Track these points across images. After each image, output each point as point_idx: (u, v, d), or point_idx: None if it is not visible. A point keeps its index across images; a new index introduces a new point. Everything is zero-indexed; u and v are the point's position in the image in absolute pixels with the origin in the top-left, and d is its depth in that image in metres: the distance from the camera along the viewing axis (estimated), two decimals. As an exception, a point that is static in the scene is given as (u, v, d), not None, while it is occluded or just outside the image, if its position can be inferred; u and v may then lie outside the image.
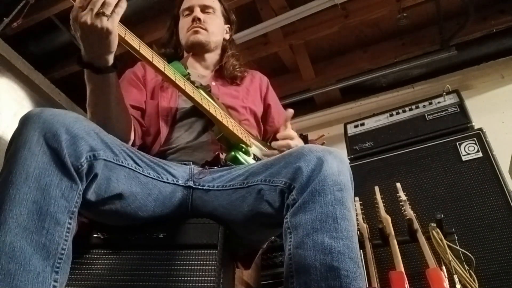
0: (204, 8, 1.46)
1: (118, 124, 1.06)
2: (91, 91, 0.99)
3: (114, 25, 0.89)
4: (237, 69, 1.45)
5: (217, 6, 1.51)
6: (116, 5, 0.89)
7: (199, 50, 1.45)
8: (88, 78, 0.97)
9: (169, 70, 1.09)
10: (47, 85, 3.22)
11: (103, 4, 0.87)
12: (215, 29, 1.47)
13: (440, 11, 2.68)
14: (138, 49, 1.00)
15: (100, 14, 0.86)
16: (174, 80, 1.09)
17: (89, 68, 0.94)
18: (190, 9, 1.45)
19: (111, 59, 0.95)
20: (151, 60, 1.03)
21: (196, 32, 1.41)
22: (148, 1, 2.69)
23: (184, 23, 1.46)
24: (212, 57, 1.49)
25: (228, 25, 1.57)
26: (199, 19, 1.42)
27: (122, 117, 1.08)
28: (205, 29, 1.43)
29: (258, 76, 1.55)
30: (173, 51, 1.49)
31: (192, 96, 1.13)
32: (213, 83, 1.38)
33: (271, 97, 1.53)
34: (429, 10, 2.80)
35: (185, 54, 1.48)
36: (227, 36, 1.56)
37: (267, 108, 1.50)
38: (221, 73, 1.45)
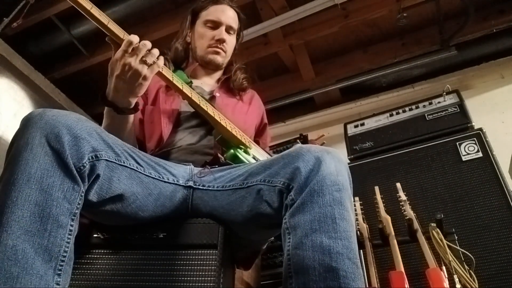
0: (229, 29, 1.46)
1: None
2: (107, 125, 1.08)
3: (151, 74, 1.01)
4: (245, 82, 1.48)
5: (237, 26, 1.52)
6: (158, 57, 1.02)
7: (212, 68, 1.47)
8: (107, 114, 1.06)
9: (167, 71, 1.11)
10: (47, 85, 3.22)
11: (147, 53, 0.99)
12: (230, 50, 1.50)
13: (440, 11, 2.68)
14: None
15: (143, 61, 0.98)
16: (171, 80, 1.11)
17: (112, 107, 1.03)
18: (216, 24, 1.44)
19: (134, 102, 1.04)
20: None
21: (217, 53, 1.43)
22: (148, 1, 2.69)
23: (206, 34, 1.44)
24: (219, 72, 1.52)
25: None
26: (223, 41, 1.43)
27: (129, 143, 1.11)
28: (225, 51, 1.45)
29: (257, 95, 1.59)
30: (183, 54, 1.48)
31: (190, 96, 1.14)
32: (218, 94, 1.39)
33: (265, 117, 1.59)
34: (429, 10, 2.80)
35: (191, 60, 1.49)
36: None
37: (263, 127, 1.56)
38: (227, 84, 1.47)
